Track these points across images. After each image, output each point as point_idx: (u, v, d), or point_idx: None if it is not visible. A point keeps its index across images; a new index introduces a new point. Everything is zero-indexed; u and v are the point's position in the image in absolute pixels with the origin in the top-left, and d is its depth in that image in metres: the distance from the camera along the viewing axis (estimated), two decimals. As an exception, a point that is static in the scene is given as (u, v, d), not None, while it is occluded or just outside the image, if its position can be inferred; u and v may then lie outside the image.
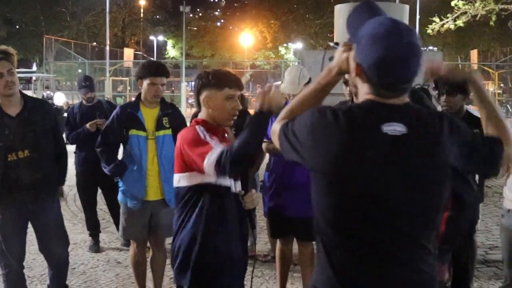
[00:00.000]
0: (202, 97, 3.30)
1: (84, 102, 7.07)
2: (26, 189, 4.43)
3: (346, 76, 2.89)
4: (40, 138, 4.49)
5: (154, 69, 4.83)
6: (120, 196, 4.97)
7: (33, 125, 4.47)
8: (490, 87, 32.41)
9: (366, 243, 2.06)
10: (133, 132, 4.81)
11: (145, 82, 4.78)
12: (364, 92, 2.11)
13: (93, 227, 7.05)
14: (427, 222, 2.10)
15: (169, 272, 5.94)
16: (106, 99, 8.71)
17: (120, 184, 4.96)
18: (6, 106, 4.42)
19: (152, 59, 45.82)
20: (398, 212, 2.04)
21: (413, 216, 2.05)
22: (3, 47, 4.42)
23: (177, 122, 4.85)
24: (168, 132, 4.84)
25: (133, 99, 5.09)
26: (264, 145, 5.14)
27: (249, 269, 3.58)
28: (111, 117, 5.01)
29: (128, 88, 37.63)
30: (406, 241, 2.07)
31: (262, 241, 7.04)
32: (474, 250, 5.14)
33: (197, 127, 3.20)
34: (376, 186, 2.02)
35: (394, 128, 2.01)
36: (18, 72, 4.94)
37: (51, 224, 4.69)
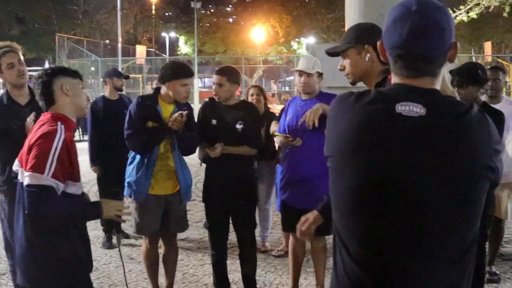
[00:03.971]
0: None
1: (107, 95, 7.12)
2: None
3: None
4: None
5: (186, 70, 4.88)
6: (125, 190, 4.97)
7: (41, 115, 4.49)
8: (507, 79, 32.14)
9: (370, 247, 1.86)
10: (150, 124, 4.81)
11: (177, 84, 4.79)
12: (392, 73, 1.96)
13: (106, 224, 7.06)
14: (452, 229, 1.81)
15: (181, 268, 5.96)
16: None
17: (126, 176, 4.95)
18: (16, 96, 4.68)
19: (164, 56, 45.95)
20: (412, 207, 1.78)
21: (432, 215, 1.79)
22: (7, 42, 4.70)
23: (189, 118, 4.84)
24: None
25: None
26: (277, 139, 5.13)
27: None
28: (129, 109, 4.96)
29: (141, 85, 37.68)
30: (425, 250, 1.81)
31: (275, 236, 7.04)
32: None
33: None
34: (385, 172, 1.80)
35: (411, 109, 1.80)
36: (31, 71, 5.07)
37: None
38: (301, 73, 4.91)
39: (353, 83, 2.98)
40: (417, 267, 1.81)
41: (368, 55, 2.86)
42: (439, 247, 1.80)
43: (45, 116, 3.30)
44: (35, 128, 3.26)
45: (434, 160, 1.77)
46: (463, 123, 1.80)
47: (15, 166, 3.35)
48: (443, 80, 4.62)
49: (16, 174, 3.39)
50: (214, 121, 5.08)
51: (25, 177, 3.04)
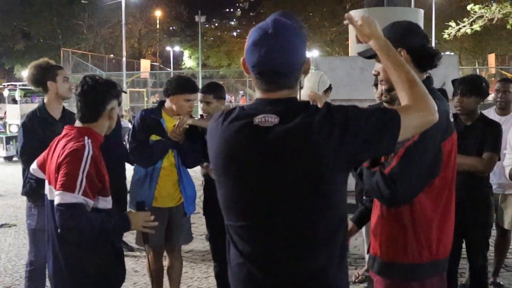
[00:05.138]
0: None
1: None
2: None
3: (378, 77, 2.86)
4: None
5: (191, 86, 4.91)
6: (128, 203, 4.96)
7: None
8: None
9: (247, 241, 2.20)
10: (154, 138, 4.83)
11: (180, 99, 4.81)
12: (256, 91, 2.20)
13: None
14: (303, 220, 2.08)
15: (186, 281, 5.96)
16: (124, 110, 8.72)
17: (130, 188, 4.96)
18: (51, 109, 4.91)
19: (169, 70, 46.09)
20: (269, 203, 2.08)
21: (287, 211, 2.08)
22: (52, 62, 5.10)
23: (191, 128, 4.86)
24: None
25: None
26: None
27: None
28: (133, 123, 4.99)
29: (145, 99, 37.81)
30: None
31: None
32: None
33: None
34: (248, 178, 2.10)
35: (266, 119, 2.05)
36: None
37: None
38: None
39: (388, 90, 2.78)
40: (282, 255, 2.11)
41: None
42: (297, 235, 2.09)
43: (70, 130, 3.27)
44: (61, 143, 3.23)
45: (285, 160, 2.03)
46: (309, 124, 2.00)
47: (47, 190, 3.34)
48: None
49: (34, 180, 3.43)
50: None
51: (56, 196, 3.03)
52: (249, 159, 2.08)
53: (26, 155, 4.70)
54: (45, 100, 4.94)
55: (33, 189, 4.76)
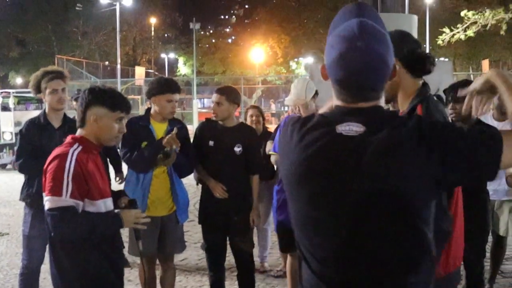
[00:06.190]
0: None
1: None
2: None
3: None
4: None
5: (172, 86, 4.86)
6: None
7: None
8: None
9: (327, 264, 1.96)
10: (144, 144, 4.78)
11: (162, 99, 4.78)
12: (333, 94, 2.02)
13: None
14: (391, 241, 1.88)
15: (180, 289, 5.90)
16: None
17: None
18: (51, 118, 4.99)
19: (163, 76, 46.08)
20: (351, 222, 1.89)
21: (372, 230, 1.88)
22: (59, 68, 5.25)
23: (182, 136, 4.82)
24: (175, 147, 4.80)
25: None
26: (272, 158, 5.11)
27: None
28: None
29: (140, 106, 37.76)
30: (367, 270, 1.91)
31: (274, 256, 6.99)
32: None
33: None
34: (329, 191, 1.90)
35: (350, 128, 1.88)
36: (30, 92, 5.31)
37: None
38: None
39: (387, 101, 2.70)
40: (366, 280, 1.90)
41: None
42: (379, 259, 1.88)
43: (67, 139, 3.32)
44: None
45: (368, 174, 1.84)
46: (397, 137, 1.84)
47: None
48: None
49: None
50: (211, 142, 5.06)
51: (45, 202, 3.08)
52: (330, 170, 1.89)
53: (20, 161, 4.88)
54: (46, 108, 5.03)
55: (29, 194, 4.82)
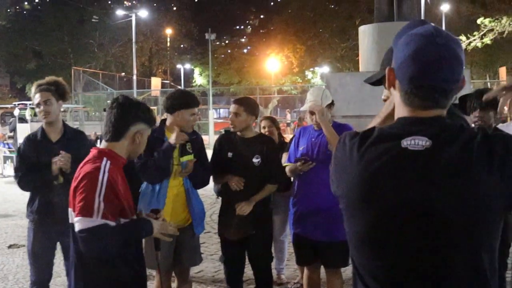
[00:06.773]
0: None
1: None
2: (59, 212, 4.39)
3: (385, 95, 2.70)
4: (73, 166, 4.47)
5: (195, 100, 4.89)
6: None
7: (70, 153, 4.59)
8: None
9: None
10: None
11: (186, 113, 4.74)
12: (397, 104, 1.92)
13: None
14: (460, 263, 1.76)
15: (196, 302, 5.84)
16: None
17: (138, 209, 4.88)
18: (48, 131, 4.85)
19: (180, 87, 46.24)
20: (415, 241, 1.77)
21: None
22: (53, 78, 4.97)
23: (198, 147, 4.79)
24: (191, 157, 4.77)
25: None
26: (287, 169, 5.04)
27: None
28: None
29: (156, 116, 37.89)
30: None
31: (291, 268, 6.92)
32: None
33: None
34: (396, 212, 1.77)
35: (416, 142, 1.77)
36: None
37: None
38: (312, 111, 4.84)
39: None
40: None
41: None
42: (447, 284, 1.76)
43: (92, 152, 3.19)
44: (80, 166, 3.17)
45: (436, 192, 1.73)
46: (467, 152, 1.74)
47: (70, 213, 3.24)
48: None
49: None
50: (230, 154, 5.03)
51: (75, 223, 2.96)
52: (394, 188, 1.77)
53: (18, 177, 4.81)
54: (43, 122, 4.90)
55: (32, 211, 4.81)
